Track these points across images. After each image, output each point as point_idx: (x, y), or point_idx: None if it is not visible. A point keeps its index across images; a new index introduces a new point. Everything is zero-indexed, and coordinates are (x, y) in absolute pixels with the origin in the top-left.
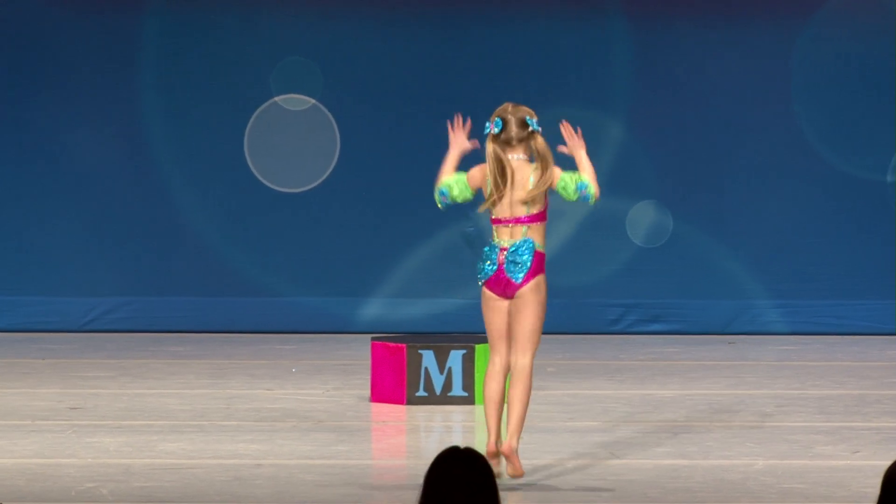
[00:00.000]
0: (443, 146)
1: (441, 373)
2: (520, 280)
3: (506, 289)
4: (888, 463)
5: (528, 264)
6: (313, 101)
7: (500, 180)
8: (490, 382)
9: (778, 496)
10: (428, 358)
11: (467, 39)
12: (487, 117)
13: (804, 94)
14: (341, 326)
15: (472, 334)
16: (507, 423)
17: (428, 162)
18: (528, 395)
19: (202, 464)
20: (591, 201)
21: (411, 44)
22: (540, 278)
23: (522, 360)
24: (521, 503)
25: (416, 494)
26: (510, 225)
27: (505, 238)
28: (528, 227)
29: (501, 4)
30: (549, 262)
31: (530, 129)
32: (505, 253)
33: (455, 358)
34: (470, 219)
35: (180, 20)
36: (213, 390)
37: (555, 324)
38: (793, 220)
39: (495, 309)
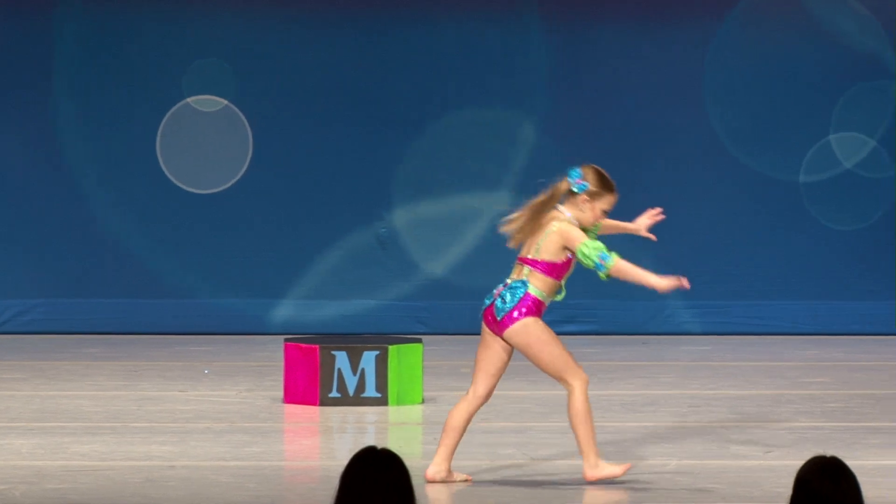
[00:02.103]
0: (358, 146)
1: (354, 374)
2: (500, 317)
3: (493, 324)
4: (802, 462)
5: (513, 303)
6: (226, 102)
7: (527, 219)
8: (454, 409)
9: (692, 496)
10: (341, 359)
11: (383, 40)
12: (403, 118)
13: (718, 94)
14: (255, 328)
15: (385, 335)
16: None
17: (342, 163)
18: (579, 420)
19: (115, 465)
20: (602, 274)
21: (325, 45)
22: (529, 321)
23: (568, 393)
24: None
25: (330, 495)
26: (518, 263)
27: (512, 275)
28: (531, 270)
29: (418, 6)
30: (464, 263)
31: (571, 187)
32: (503, 288)
33: (368, 359)
34: (383, 220)
35: (93, 22)
36: (126, 392)
37: (468, 325)
38: (707, 220)
39: (483, 341)
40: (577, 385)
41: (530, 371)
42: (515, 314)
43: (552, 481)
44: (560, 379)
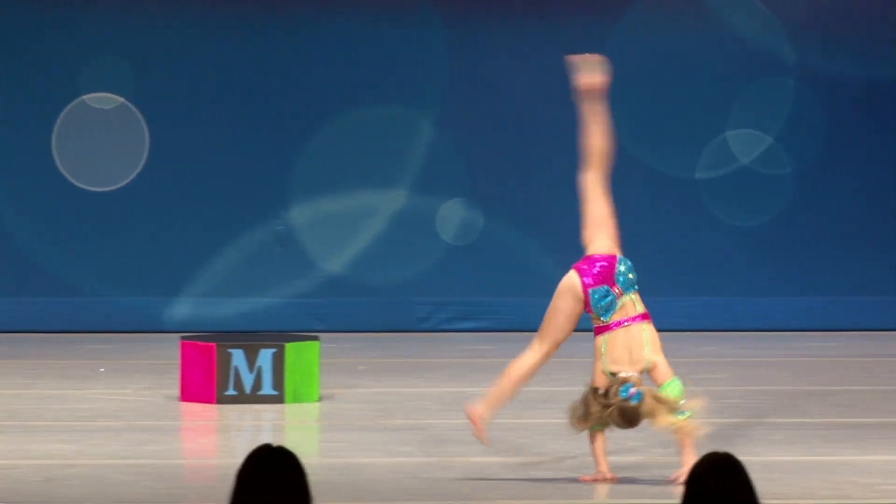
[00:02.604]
0: (255, 144)
1: (251, 372)
2: None
3: None
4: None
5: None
6: (122, 99)
7: None
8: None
9: (587, 491)
10: (238, 357)
11: (281, 38)
12: (300, 115)
13: (615, 91)
14: (152, 326)
15: (283, 333)
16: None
17: (239, 161)
18: (509, 377)
19: (14, 464)
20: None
21: (223, 42)
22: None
23: (526, 351)
24: (336, 501)
25: (227, 493)
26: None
27: None
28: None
29: (316, 4)
30: (362, 260)
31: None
32: None
33: (265, 357)
34: (280, 218)
35: None
36: (24, 391)
37: (365, 322)
38: None
39: None
40: (538, 353)
41: (429, 368)
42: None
43: (450, 477)
44: (536, 336)
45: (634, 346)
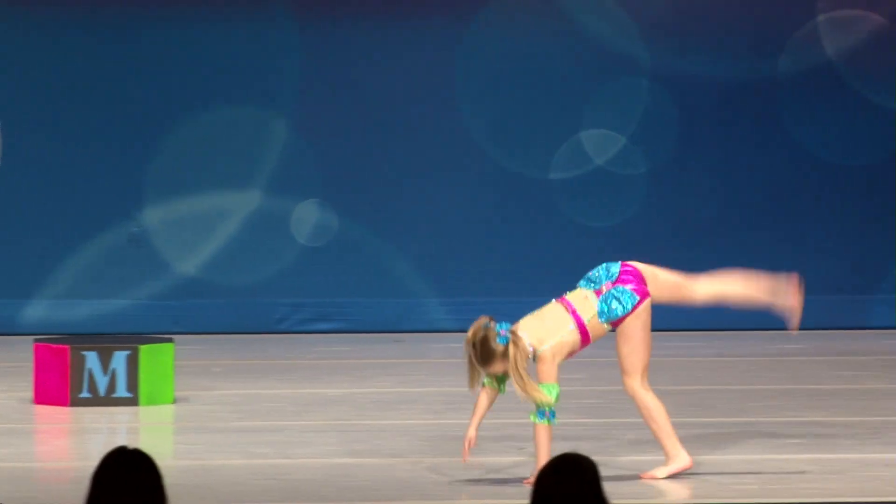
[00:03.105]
0: (109, 145)
1: (105, 374)
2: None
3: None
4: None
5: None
6: None
7: None
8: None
9: (448, 493)
10: (91, 359)
11: (134, 38)
12: (154, 116)
13: (470, 92)
14: (5, 328)
15: (138, 335)
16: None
17: (93, 161)
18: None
19: None
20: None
21: (76, 43)
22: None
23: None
24: (192, 503)
25: (81, 496)
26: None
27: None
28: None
29: (169, 4)
30: (216, 262)
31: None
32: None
33: (119, 359)
34: (135, 219)
35: None
36: None
37: (221, 324)
38: (459, 218)
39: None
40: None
41: (285, 370)
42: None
43: (310, 478)
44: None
45: (548, 324)
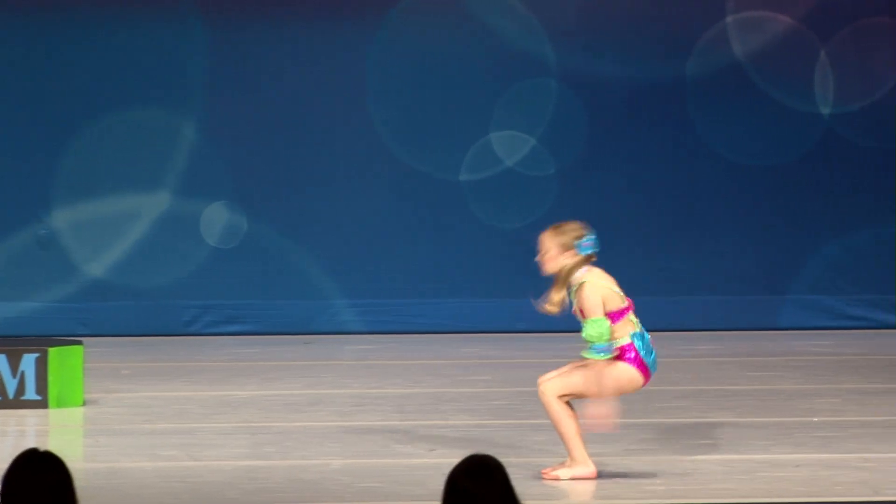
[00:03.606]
0: (16, 146)
1: (14, 376)
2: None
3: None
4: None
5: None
6: None
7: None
8: None
9: (356, 495)
10: (0, 362)
11: (42, 38)
12: (61, 118)
13: (379, 94)
14: None
15: (46, 338)
16: None
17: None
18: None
19: None
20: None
21: None
22: None
23: None
24: None
25: None
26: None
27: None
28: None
29: (77, 5)
30: (125, 264)
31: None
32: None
33: (28, 362)
34: (42, 221)
35: None
36: None
37: (130, 326)
38: (369, 219)
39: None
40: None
41: (194, 372)
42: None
43: (218, 481)
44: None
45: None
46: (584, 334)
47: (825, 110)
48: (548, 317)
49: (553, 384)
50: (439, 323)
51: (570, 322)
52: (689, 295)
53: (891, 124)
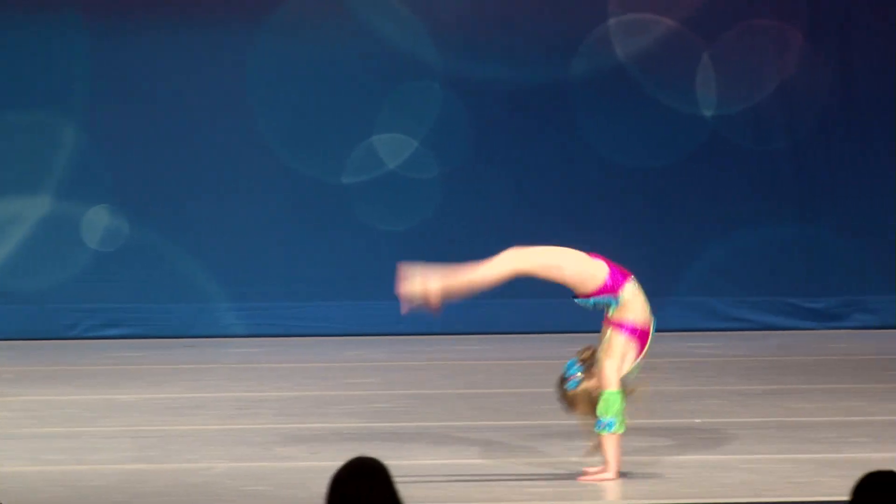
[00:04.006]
0: None
1: None
2: None
3: None
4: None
5: None
6: None
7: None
8: None
9: (240, 498)
10: None
11: None
12: None
13: (262, 96)
14: None
15: None
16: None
17: None
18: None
19: None
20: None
21: None
22: None
23: None
24: None
25: None
26: None
27: None
28: None
29: None
30: (4, 266)
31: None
32: None
33: None
34: None
35: None
36: None
37: (11, 330)
38: (252, 222)
39: None
40: None
41: (77, 376)
42: None
43: (102, 484)
44: None
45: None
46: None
47: (708, 112)
48: (430, 319)
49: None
50: (323, 326)
51: (451, 325)
52: (570, 296)
53: (774, 126)
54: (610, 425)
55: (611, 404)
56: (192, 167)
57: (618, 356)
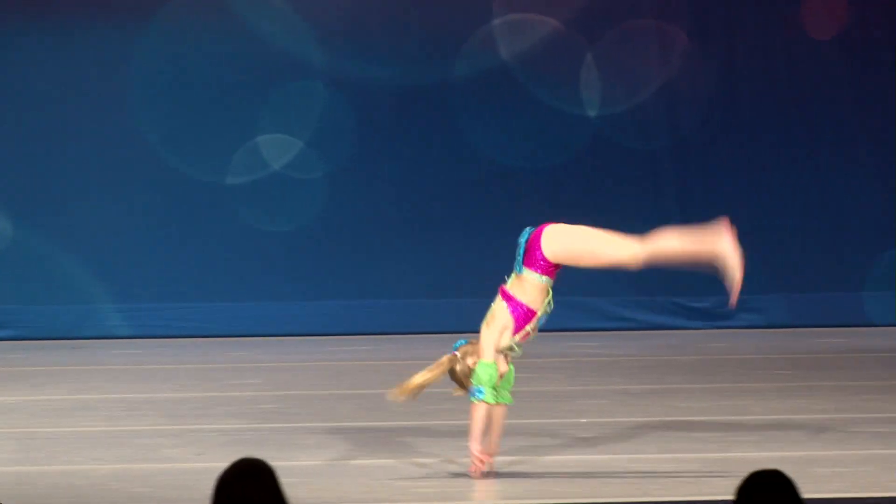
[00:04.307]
0: None
1: None
2: None
3: None
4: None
5: None
6: None
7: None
8: None
9: (126, 500)
10: None
11: None
12: None
13: (145, 97)
14: None
15: None
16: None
17: None
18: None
19: None
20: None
21: None
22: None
23: None
24: None
25: None
26: None
27: None
28: None
29: None
30: None
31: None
32: None
33: None
34: None
35: None
36: None
37: None
38: (136, 224)
39: None
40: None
41: None
42: None
43: None
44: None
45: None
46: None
47: (592, 112)
48: (314, 320)
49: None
50: (208, 327)
51: (334, 326)
52: (458, 297)
53: (657, 126)
54: (480, 392)
55: (482, 373)
56: (75, 168)
57: (497, 328)
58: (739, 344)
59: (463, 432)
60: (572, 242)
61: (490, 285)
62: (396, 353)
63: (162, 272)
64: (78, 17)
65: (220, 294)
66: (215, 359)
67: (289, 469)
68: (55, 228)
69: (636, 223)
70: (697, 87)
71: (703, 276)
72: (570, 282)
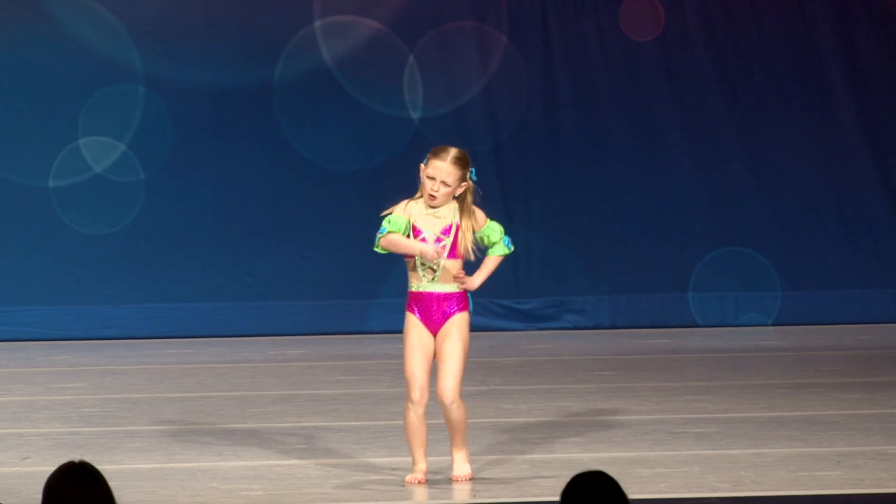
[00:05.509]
0: None
1: None
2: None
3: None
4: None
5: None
6: None
7: None
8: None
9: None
10: None
11: None
12: None
13: None
14: None
15: None
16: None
17: None
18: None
19: None
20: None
21: None
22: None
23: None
24: None
25: None
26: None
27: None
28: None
29: None
30: None
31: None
32: None
33: None
34: None
35: None
36: None
37: None
38: None
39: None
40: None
41: None
42: None
43: None
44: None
45: None
46: (497, 236)
47: (415, 114)
48: (140, 324)
49: (456, 386)
50: (28, 330)
51: (158, 329)
52: (278, 300)
53: (478, 127)
54: (507, 244)
55: (496, 227)
56: None
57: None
58: (563, 345)
59: (284, 434)
60: None
61: (309, 287)
62: (219, 357)
63: (5, 274)
64: None
65: (38, 297)
66: (36, 362)
67: (115, 472)
68: None
69: None
70: (516, 88)
71: (526, 278)
72: (392, 285)
